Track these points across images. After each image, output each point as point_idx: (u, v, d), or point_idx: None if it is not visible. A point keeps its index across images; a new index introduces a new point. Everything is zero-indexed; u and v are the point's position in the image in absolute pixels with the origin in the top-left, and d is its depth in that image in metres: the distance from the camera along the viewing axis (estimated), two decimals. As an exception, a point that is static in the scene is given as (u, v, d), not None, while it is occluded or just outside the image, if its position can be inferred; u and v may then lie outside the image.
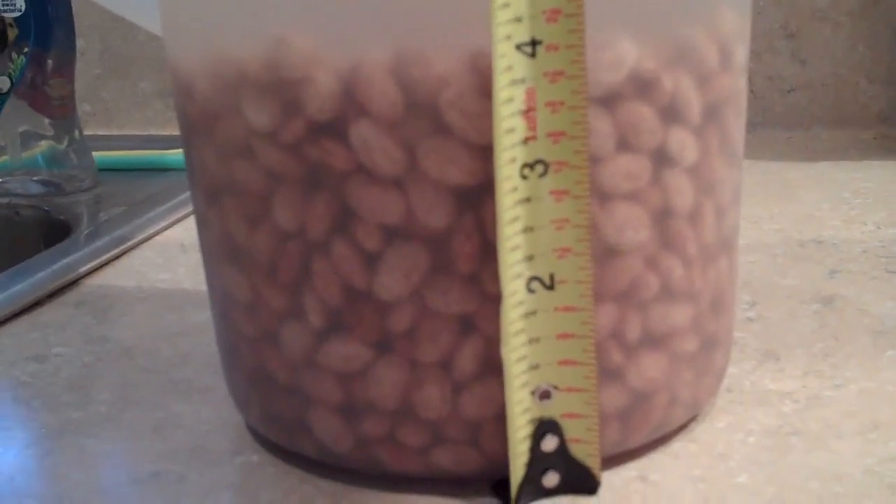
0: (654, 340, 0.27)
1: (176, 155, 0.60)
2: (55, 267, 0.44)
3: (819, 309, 0.37)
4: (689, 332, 0.28)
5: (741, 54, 0.28)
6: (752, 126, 0.62)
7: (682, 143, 0.26)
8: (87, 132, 0.61)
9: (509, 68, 0.24)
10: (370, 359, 0.26)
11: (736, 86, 0.28)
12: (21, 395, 0.34)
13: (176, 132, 0.29)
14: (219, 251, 0.28)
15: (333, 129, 0.25)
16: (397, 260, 0.25)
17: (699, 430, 0.29)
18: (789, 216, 0.47)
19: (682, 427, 0.29)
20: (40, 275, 0.43)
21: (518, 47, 0.24)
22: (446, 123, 0.24)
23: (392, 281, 0.25)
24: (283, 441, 0.28)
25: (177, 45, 0.28)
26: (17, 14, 0.57)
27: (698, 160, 0.27)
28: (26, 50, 0.57)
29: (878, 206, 0.47)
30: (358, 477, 0.27)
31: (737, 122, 0.28)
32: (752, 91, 0.61)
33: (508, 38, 0.24)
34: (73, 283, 0.44)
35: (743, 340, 0.34)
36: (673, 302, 0.27)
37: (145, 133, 0.70)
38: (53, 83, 0.58)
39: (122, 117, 0.71)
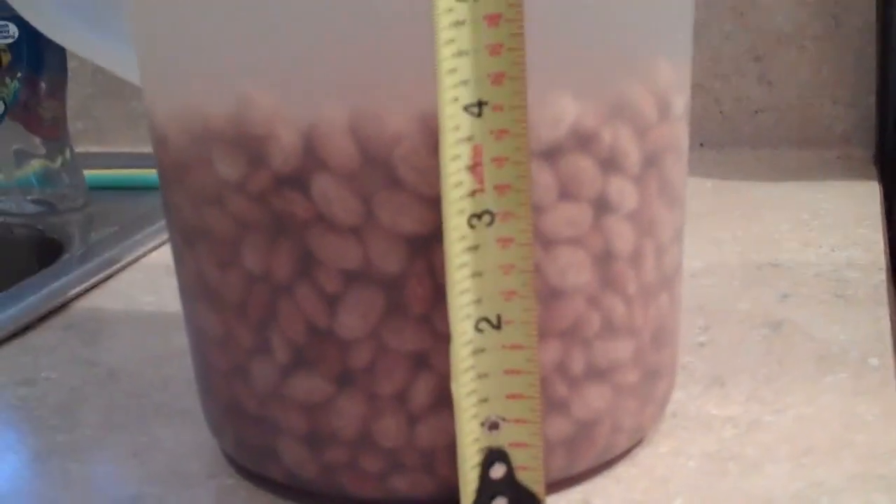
0: (597, 373, 0.29)
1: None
2: (46, 290, 0.46)
3: (768, 334, 0.39)
4: (631, 365, 0.30)
5: (680, 103, 0.30)
6: (720, 146, 0.64)
7: (622, 191, 0.28)
8: (78, 149, 0.63)
9: (456, 128, 0.26)
10: (332, 392, 0.28)
11: (674, 134, 0.30)
12: (11, 418, 0.36)
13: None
14: (193, 289, 0.30)
15: (296, 181, 0.27)
16: (355, 302, 0.27)
17: (642, 455, 0.31)
18: (750, 238, 0.49)
19: (627, 452, 0.31)
20: (32, 298, 0.45)
21: (465, 108, 0.26)
22: (399, 177, 0.26)
23: (351, 321, 0.27)
24: (254, 466, 0.30)
25: (152, 97, 0.30)
26: (10, 41, 0.58)
27: (638, 206, 0.29)
28: (19, 75, 0.59)
29: (835, 227, 0.49)
30: (323, 501, 0.29)
31: (676, 167, 0.30)
32: (720, 112, 0.63)
33: (455, 100, 0.25)
34: (63, 305, 0.46)
35: (692, 365, 0.36)
36: (615, 337, 0.29)
37: (136, 151, 0.72)
38: (46, 105, 0.60)
39: (113, 135, 0.73)
